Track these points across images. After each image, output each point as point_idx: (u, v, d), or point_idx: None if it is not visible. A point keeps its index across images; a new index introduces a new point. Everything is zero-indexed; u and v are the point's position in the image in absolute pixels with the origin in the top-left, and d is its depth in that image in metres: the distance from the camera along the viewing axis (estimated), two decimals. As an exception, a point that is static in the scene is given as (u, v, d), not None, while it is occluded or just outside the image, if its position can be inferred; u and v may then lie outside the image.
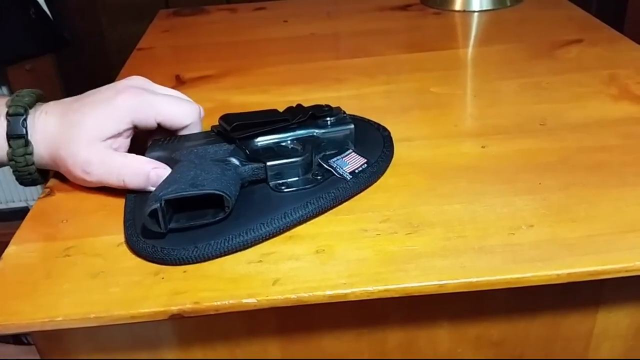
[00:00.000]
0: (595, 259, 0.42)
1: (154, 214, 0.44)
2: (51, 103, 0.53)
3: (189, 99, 0.56)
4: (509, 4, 0.93)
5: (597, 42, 0.77)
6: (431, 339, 0.47)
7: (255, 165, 0.50)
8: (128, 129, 0.52)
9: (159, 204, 0.44)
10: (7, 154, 0.51)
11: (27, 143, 0.51)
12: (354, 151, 0.53)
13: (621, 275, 0.41)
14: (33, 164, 0.52)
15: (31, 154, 0.51)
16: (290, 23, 0.93)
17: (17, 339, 1.48)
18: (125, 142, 0.53)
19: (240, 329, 0.46)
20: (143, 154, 0.52)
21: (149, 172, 0.50)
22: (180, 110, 0.53)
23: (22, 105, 0.51)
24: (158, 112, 0.52)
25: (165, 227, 0.45)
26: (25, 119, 0.51)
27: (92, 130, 0.50)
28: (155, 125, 0.52)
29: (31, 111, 0.52)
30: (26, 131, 0.50)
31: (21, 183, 0.54)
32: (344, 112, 0.55)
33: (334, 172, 0.51)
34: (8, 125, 0.50)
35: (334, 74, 0.74)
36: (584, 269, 0.41)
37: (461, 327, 0.47)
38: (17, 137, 0.50)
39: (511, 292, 0.42)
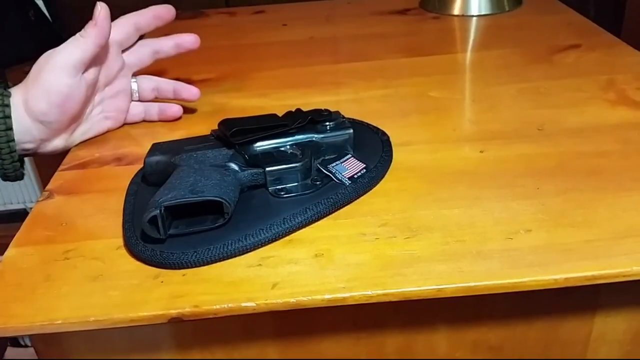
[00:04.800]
0: (592, 264, 0.42)
1: (153, 220, 0.44)
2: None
3: None
4: (507, 8, 0.93)
5: (595, 47, 0.77)
6: (429, 344, 0.48)
7: (255, 170, 0.50)
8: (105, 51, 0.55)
9: (158, 211, 0.44)
10: None
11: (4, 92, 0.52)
12: (353, 156, 0.54)
13: (618, 280, 0.42)
14: (11, 129, 0.52)
15: (8, 105, 0.53)
16: (290, 27, 0.94)
17: (14, 340, 1.48)
18: (123, 82, 0.58)
19: (239, 333, 0.46)
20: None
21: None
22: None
23: None
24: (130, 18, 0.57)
25: (164, 233, 0.45)
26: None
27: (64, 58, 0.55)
28: (134, 31, 0.57)
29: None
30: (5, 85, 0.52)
31: (4, 175, 0.55)
32: (343, 117, 0.55)
33: (332, 177, 0.51)
34: None
35: (333, 78, 0.74)
36: (582, 273, 0.41)
37: (459, 331, 0.47)
38: None
39: (509, 296, 0.42)
